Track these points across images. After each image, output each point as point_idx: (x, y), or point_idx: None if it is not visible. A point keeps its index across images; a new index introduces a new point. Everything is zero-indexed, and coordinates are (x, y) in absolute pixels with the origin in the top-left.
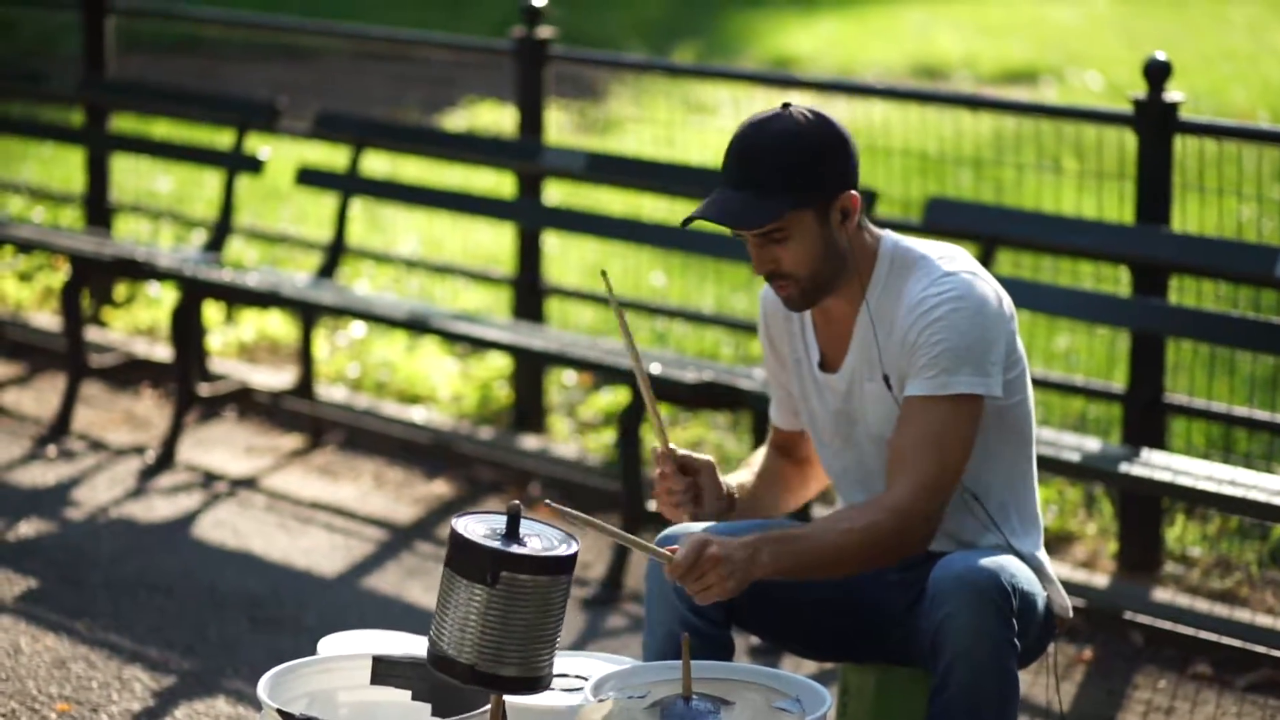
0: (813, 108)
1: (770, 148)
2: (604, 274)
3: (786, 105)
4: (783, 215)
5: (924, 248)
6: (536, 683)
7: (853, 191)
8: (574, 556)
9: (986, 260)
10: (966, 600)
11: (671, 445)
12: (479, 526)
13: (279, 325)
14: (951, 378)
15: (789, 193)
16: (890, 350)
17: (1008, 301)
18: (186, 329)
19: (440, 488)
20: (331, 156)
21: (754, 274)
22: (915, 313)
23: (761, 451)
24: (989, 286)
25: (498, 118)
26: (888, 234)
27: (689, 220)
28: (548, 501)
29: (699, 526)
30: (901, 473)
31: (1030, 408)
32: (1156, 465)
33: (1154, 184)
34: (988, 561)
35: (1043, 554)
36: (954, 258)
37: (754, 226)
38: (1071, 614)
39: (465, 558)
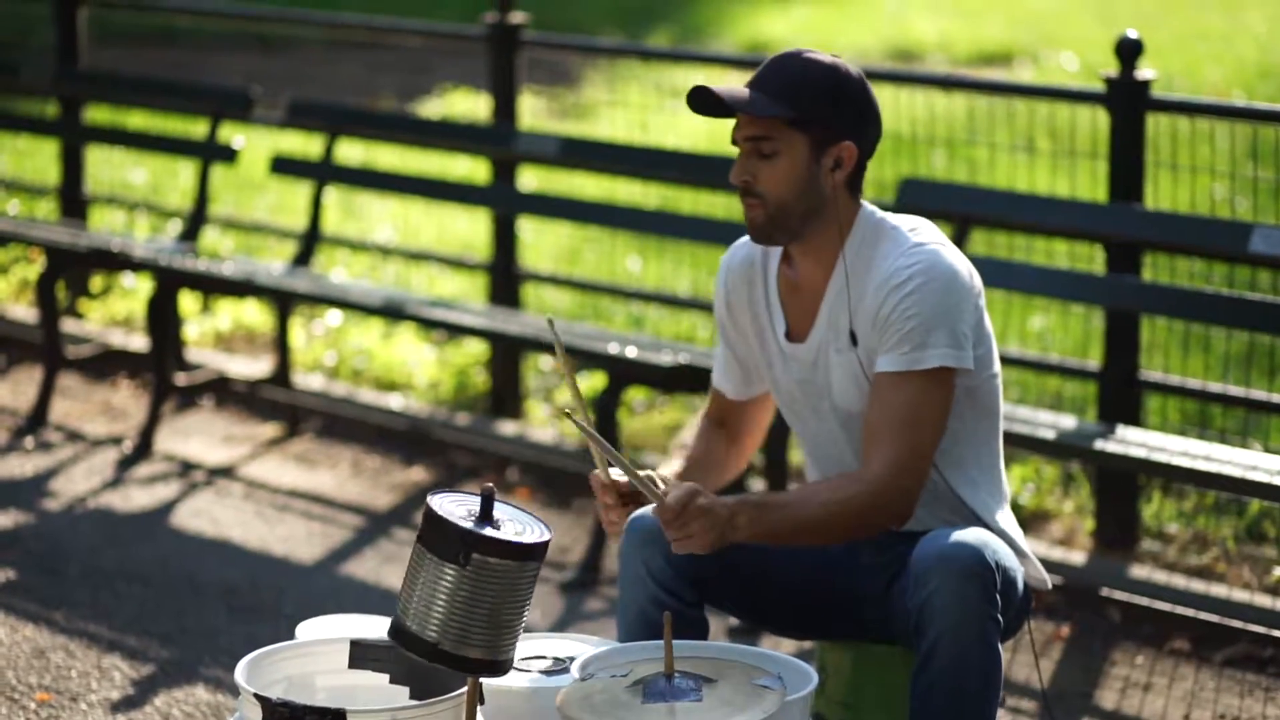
0: (861, 69)
1: (795, 69)
2: (550, 321)
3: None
4: (782, 117)
5: (894, 219)
6: (499, 666)
7: (852, 145)
8: (545, 544)
9: (961, 240)
10: (950, 578)
11: (613, 474)
12: (454, 506)
13: (255, 314)
14: (924, 352)
15: (795, 110)
16: (861, 316)
17: (976, 275)
18: (162, 319)
19: (417, 474)
20: (306, 145)
21: (731, 180)
22: (887, 286)
23: (693, 431)
24: (958, 258)
25: (472, 104)
26: (867, 204)
27: (696, 90)
28: (567, 411)
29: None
30: (877, 449)
31: (998, 384)
32: (1132, 442)
33: (1126, 161)
34: (970, 539)
35: (1015, 529)
36: (923, 230)
37: (752, 111)
38: (1049, 586)
39: (437, 535)
